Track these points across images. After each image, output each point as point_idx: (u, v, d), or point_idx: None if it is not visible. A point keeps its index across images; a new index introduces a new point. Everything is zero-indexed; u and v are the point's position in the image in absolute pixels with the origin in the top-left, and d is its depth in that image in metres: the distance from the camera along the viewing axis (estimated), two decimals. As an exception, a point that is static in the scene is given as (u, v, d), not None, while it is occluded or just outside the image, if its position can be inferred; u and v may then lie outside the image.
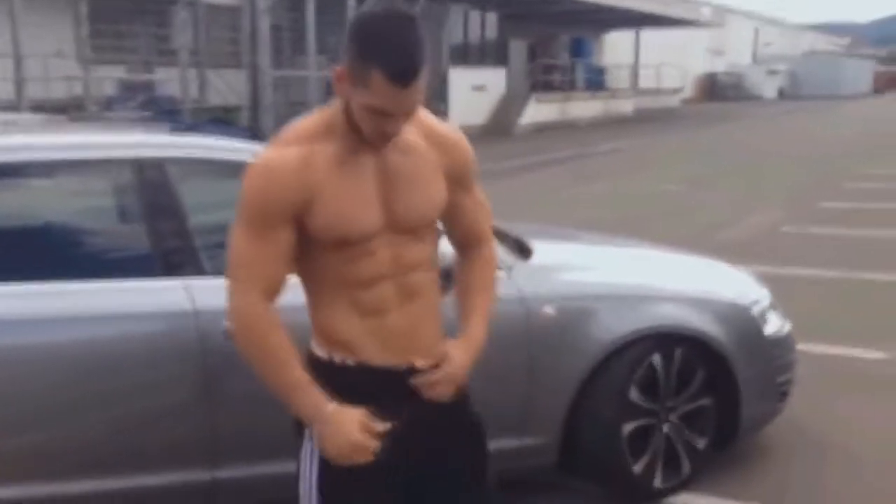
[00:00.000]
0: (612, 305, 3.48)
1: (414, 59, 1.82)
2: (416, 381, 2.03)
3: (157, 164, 3.01)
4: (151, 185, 2.98)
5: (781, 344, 3.87)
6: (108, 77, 17.82)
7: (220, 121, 3.75)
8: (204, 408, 2.93)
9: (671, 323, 3.54)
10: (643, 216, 10.59)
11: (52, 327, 2.82)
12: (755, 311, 3.79)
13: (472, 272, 2.19)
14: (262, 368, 1.96)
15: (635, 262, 4.11)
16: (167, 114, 15.83)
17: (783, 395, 3.90)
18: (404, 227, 2.01)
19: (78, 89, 16.65)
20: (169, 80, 18.43)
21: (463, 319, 2.16)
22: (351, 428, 1.94)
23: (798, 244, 9.06)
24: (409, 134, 2.02)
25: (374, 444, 1.95)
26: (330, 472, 2.00)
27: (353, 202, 1.94)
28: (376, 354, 2.01)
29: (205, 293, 2.89)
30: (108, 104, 17.24)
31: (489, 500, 2.25)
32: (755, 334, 3.74)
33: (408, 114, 1.91)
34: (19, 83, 15.50)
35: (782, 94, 54.71)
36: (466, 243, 2.19)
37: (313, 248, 1.96)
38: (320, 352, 2.04)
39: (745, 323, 3.73)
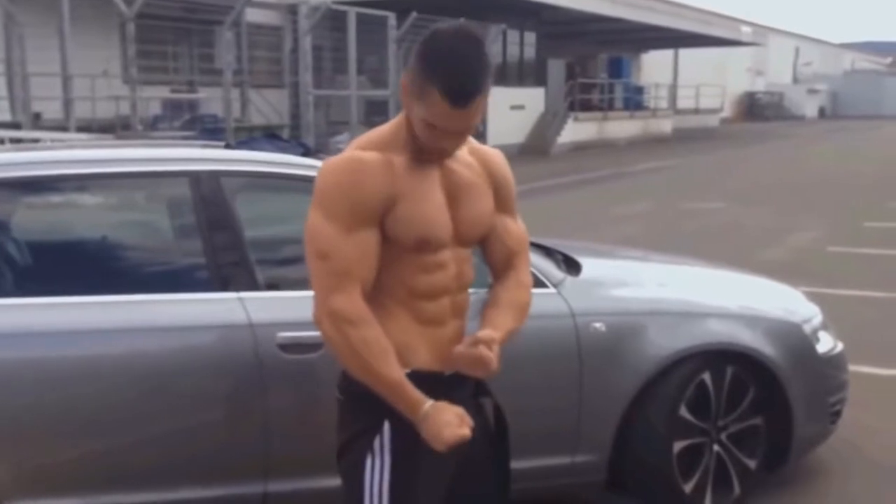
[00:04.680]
0: (663, 322, 3.46)
1: (473, 82, 1.87)
2: (456, 351, 2.01)
3: (213, 178, 3.05)
4: (207, 199, 3.02)
5: (834, 363, 3.82)
6: (153, 97, 18.12)
7: (275, 136, 3.75)
8: (257, 420, 2.94)
9: (722, 340, 3.50)
10: (684, 234, 10.52)
11: (107, 339, 2.86)
12: (807, 328, 3.74)
13: (504, 290, 2.19)
14: (364, 368, 1.97)
15: (685, 279, 4.08)
16: (210, 132, 16.08)
17: (835, 416, 3.84)
18: (466, 240, 2.11)
19: (124, 109, 16.94)
20: (212, 100, 18.69)
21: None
22: (454, 420, 1.96)
23: (843, 264, 8.94)
24: (463, 150, 2.13)
25: (468, 433, 1.97)
26: (400, 485, 2.02)
27: (430, 206, 2.02)
28: (430, 361, 2.07)
29: (259, 306, 2.93)
30: (153, 123, 17.53)
31: None
32: (807, 352, 3.69)
33: (464, 133, 1.99)
34: (67, 103, 15.81)
35: (823, 114, 54.13)
36: (504, 266, 2.22)
37: (389, 255, 2.01)
38: None
39: (796, 341, 3.68)
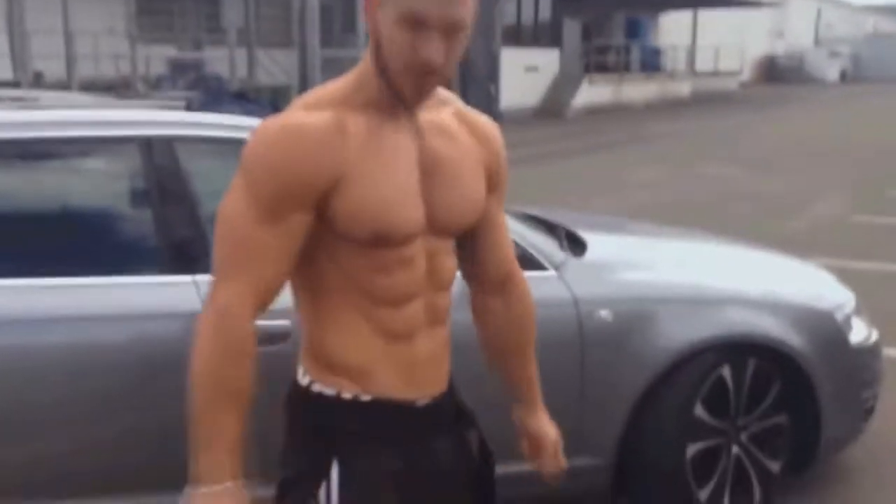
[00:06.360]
0: (677, 310, 3.09)
1: None
2: (546, 472, 1.92)
3: (166, 144, 2.68)
4: (159, 168, 2.66)
5: (868, 354, 3.44)
6: (158, 55, 17.70)
7: (242, 96, 3.43)
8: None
9: (743, 330, 3.14)
10: (701, 203, 10.12)
11: (44, 327, 2.52)
12: (839, 316, 3.36)
13: (518, 328, 1.83)
14: (208, 393, 1.48)
15: (702, 260, 3.69)
16: (214, 93, 15.67)
17: (868, 412, 3.47)
18: (444, 229, 1.63)
19: (127, 68, 16.54)
20: (218, 59, 18.25)
21: (516, 386, 1.90)
22: None
23: (867, 235, 8.52)
24: (447, 116, 1.65)
25: None
26: None
27: (394, 188, 1.54)
28: (398, 386, 1.62)
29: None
30: (157, 83, 17.14)
31: None
32: (839, 343, 3.32)
33: (457, 29, 1.48)
34: (70, 61, 15.42)
35: (845, 78, 53.02)
36: (498, 274, 1.78)
37: (335, 251, 1.56)
38: (322, 386, 1.61)
39: (827, 330, 3.31)
